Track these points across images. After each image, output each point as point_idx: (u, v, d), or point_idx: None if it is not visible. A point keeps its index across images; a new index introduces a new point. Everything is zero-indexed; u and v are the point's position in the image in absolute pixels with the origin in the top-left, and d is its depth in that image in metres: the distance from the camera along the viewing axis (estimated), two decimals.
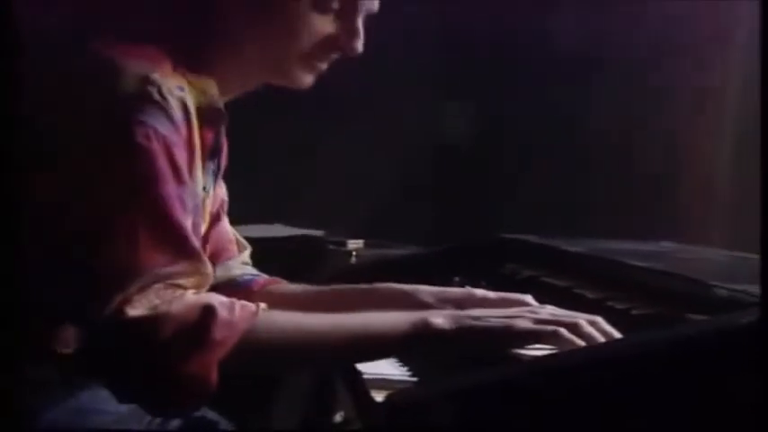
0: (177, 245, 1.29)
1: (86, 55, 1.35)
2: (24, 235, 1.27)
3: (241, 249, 1.71)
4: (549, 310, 1.35)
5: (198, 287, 1.31)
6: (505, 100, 3.26)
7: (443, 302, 1.49)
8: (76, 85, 1.34)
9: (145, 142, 1.27)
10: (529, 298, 1.47)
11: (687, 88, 3.06)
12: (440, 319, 1.29)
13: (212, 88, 1.42)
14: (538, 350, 1.31)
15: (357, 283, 1.63)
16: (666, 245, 2.17)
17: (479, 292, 1.52)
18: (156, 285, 1.26)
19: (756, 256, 1.85)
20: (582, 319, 1.29)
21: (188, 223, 1.32)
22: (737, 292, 1.29)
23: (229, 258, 1.68)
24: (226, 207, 1.69)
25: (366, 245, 2.69)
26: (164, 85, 1.31)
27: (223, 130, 1.48)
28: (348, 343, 1.31)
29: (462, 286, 1.63)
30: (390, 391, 1.19)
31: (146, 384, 1.25)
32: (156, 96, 1.29)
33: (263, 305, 1.30)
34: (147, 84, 1.29)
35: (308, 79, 1.48)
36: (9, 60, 1.30)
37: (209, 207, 1.56)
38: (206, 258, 1.36)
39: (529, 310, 1.35)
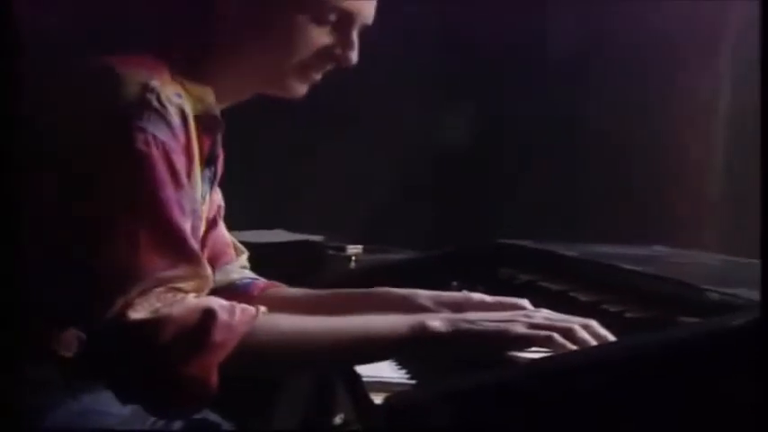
0: (177, 248, 1.31)
1: (86, 62, 1.37)
2: (24, 235, 1.29)
3: (238, 253, 1.73)
4: (544, 314, 1.36)
5: (198, 290, 1.33)
6: (505, 100, 3.26)
7: (441, 306, 1.51)
8: (77, 90, 1.36)
9: (144, 148, 1.29)
10: (525, 302, 1.48)
11: (680, 90, 3.05)
12: (437, 321, 1.30)
13: (209, 96, 1.44)
14: (533, 353, 1.31)
15: (356, 287, 1.64)
16: (659, 249, 2.18)
17: (476, 296, 1.54)
18: (158, 289, 1.27)
19: (747, 260, 1.88)
20: (576, 322, 1.31)
21: (187, 227, 1.34)
22: (729, 296, 1.30)
23: (228, 262, 1.70)
24: (222, 212, 1.70)
25: (365, 250, 2.69)
26: (162, 92, 1.33)
27: (219, 137, 1.50)
28: (347, 345, 1.32)
29: (460, 290, 1.64)
30: (389, 394, 1.19)
31: (147, 386, 1.26)
32: (155, 103, 1.31)
33: (262, 308, 1.32)
34: (146, 91, 1.31)
35: (302, 89, 1.50)
36: (9, 60, 1.31)
37: (206, 213, 1.57)
38: (205, 261, 1.37)
39: (524, 314, 1.36)
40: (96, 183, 1.30)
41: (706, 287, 1.36)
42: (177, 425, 1.47)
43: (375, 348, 1.33)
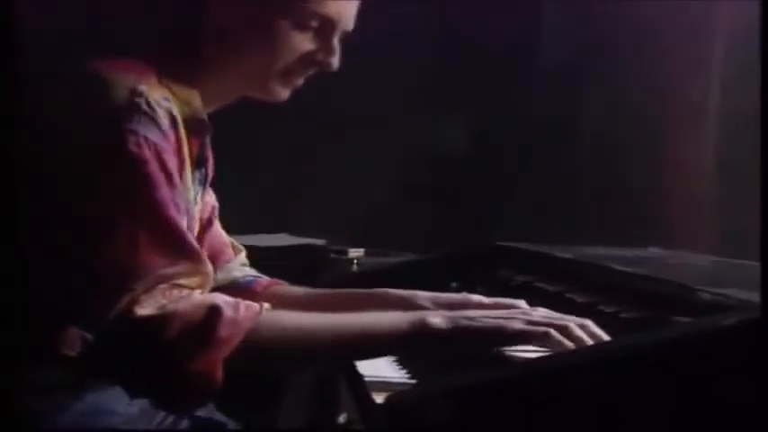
0: (176, 245, 1.34)
1: (76, 65, 1.40)
2: (24, 235, 1.30)
3: (236, 252, 1.75)
4: (542, 313, 1.38)
5: (200, 286, 1.35)
6: (505, 101, 3.26)
7: (440, 306, 1.52)
8: (68, 92, 1.39)
9: (137, 150, 1.32)
10: (522, 303, 1.50)
11: (680, 90, 3.05)
12: (437, 318, 1.32)
13: (196, 100, 1.47)
14: (530, 351, 1.34)
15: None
16: (654, 251, 2.19)
17: (475, 297, 1.56)
18: (162, 286, 1.30)
19: (739, 261, 1.90)
20: (572, 321, 1.33)
21: (184, 224, 1.37)
22: (720, 296, 1.32)
23: (227, 261, 1.72)
24: (217, 213, 1.73)
25: (367, 253, 2.71)
26: (151, 96, 1.36)
27: (208, 140, 1.53)
28: (349, 342, 1.34)
29: (459, 292, 1.67)
30: (390, 393, 1.20)
31: (153, 381, 1.28)
32: (145, 107, 1.34)
33: (266, 305, 1.34)
34: (135, 95, 1.34)
35: (284, 93, 1.53)
36: (9, 60, 1.32)
37: (199, 214, 1.60)
38: (205, 257, 1.39)
39: (522, 312, 1.39)
40: (93, 184, 1.32)
41: (698, 288, 1.38)
42: (184, 424, 1.48)
43: (376, 344, 1.35)
